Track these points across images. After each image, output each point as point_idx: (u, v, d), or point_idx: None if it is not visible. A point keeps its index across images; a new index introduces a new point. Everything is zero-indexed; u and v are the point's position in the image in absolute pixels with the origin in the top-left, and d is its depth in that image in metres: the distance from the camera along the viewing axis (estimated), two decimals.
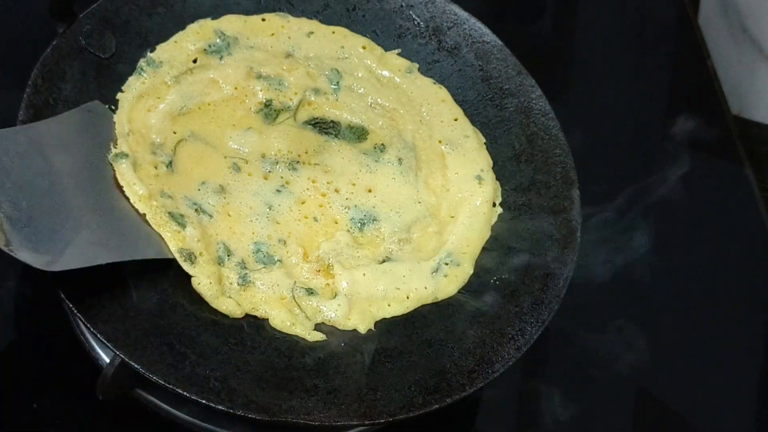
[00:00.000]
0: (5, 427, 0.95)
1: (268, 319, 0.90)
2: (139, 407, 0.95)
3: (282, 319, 0.90)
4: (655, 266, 1.19)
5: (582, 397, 1.09)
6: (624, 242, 1.18)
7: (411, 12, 1.09)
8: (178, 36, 1.02)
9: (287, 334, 0.89)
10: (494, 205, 1.01)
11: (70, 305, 0.83)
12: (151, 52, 1.00)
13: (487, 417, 1.06)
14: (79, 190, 0.86)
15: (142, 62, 0.99)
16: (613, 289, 1.15)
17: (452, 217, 0.99)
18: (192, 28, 1.03)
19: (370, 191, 0.99)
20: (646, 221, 1.20)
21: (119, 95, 0.97)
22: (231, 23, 1.04)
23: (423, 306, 0.94)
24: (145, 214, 0.91)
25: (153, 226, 0.90)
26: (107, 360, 0.90)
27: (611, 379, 1.10)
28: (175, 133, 0.97)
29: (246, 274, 0.91)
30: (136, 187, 0.91)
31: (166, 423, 0.96)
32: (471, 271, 0.96)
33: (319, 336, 0.90)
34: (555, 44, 1.40)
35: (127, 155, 0.93)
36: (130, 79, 0.99)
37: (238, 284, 0.91)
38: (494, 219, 1.00)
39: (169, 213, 0.91)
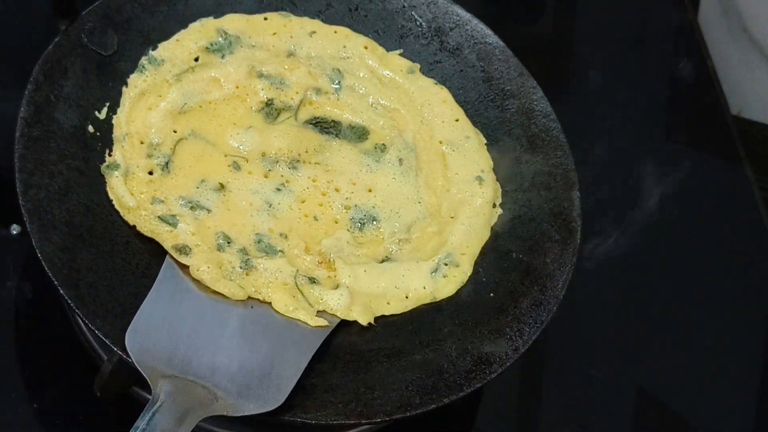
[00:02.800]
0: (5, 427, 0.95)
1: (270, 303, 0.90)
2: (138, 406, 0.95)
3: (285, 303, 0.89)
4: (655, 266, 1.19)
5: (582, 397, 1.09)
6: (624, 242, 1.18)
7: (413, 12, 1.09)
8: (181, 34, 1.02)
9: (290, 317, 0.89)
10: (494, 206, 1.01)
11: (70, 303, 0.83)
12: (153, 50, 1.00)
13: (487, 417, 1.06)
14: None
15: (143, 60, 1.00)
16: (613, 288, 1.15)
17: (452, 217, 0.99)
18: (194, 26, 1.03)
19: (370, 191, 0.99)
20: (646, 221, 1.20)
21: (123, 89, 0.97)
22: (233, 22, 1.04)
23: (422, 305, 0.94)
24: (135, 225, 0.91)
25: (144, 233, 0.91)
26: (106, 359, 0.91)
27: (611, 379, 1.10)
28: (175, 132, 0.97)
29: (248, 259, 0.91)
30: (124, 200, 0.91)
31: None
32: (470, 272, 0.96)
33: (322, 322, 0.89)
34: (555, 44, 1.40)
35: (119, 166, 0.93)
36: (132, 76, 0.99)
37: (241, 268, 0.90)
38: (494, 220, 1.00)
39: (159, 217, 0.92)
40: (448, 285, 0.95)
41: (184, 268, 0.89)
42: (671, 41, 1.43)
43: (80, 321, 0.98)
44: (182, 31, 1.02)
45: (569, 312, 1.01)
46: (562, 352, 1.11)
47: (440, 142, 1.04)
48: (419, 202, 0.99)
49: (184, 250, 0.90)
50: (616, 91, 1.35)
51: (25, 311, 1.03)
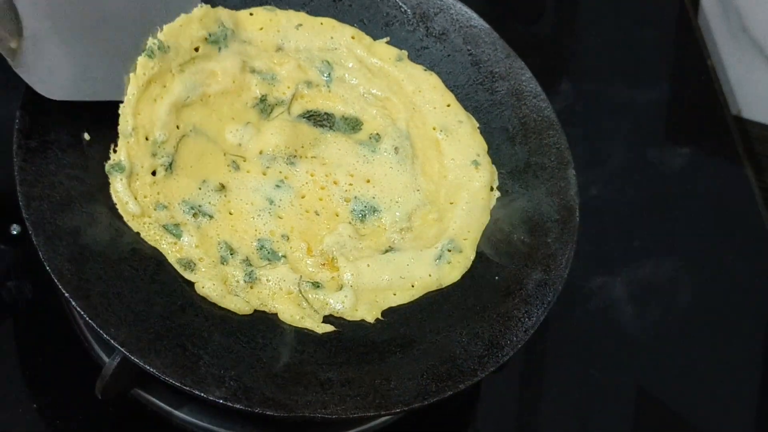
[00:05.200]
0: (5, 427, 0.95)
1: (277, 314, 0.90)
2: (138, 407, 0.96)
3: (291, 314, 0.90)
4: (655, 266, 1.20)
5: (582, 397, 1.10)
6: (624, 242, 1.19)
7: None
8: (183, 18, 0.99)
9: (297, 327, 0.90)
10: (492, 189, 1.01)
11: (81, 312, 0.83)
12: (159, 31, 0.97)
13: (487, 417, 1.07)
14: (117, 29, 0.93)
15: (152, 43, 0.96)
16: (613, 288, 1.16)
17: (451, 203, 1.00)
18: (196, 12, 1.00)
19: (368, 182, 1.00)
20: (646, 220, 1.21)
21: (131, 76, 0.95)
22: (224, 15, 1.02)
23: (429, 293, 0.95)
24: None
25: (148, 242, 0.91)
26: (107, 360, 0.91)
27: (611, 379, 1.11)
28: (178, 127, 0.96)
29: (252, 271, 0.91)
30: (128, 206, 0.91)
31: (166, 423, 0.97)
32: (473, 257, 0.97)
33: (328, 328, 0.90)
34: (555, 44, 1.41)
35: (123, 168, 0.92)
36: (140, 59, 0.95)
37: (245, 281, 0.91)
38: (493, 203, 1.01)
39: (164, 226, 0.91)
40: (453, 271, 0.96)
41: None
42: (671, 41, 1.44)
43: (80, 321, 0.99)
44: (184, 15, 0.99)
45: (569, 312, 1.02)
46: (562, 352, 1.12)
47: (434, 129, 1.04)
48: (418, 190, 1.00)
49: (189, 265, 0.90)
50: (616, 91, 1.35)
51: (25, 311, 1.02)
